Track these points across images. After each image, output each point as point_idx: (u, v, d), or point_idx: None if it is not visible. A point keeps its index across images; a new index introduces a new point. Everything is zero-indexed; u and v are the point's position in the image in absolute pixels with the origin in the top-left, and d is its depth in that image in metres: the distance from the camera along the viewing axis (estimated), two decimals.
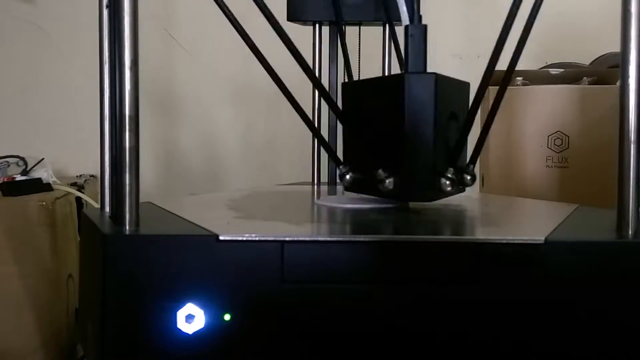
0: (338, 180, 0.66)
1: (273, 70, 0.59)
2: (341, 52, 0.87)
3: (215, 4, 0.56)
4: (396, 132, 0.56)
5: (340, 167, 0.63)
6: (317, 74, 0.92)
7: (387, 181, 0.57)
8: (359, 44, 0.90)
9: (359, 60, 0.88)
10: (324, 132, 0.86)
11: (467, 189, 0.61)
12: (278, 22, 0.56)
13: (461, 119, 0.60)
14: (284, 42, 0.56)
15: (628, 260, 0.48)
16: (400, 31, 0.92)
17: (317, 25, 0.91)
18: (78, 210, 1.03)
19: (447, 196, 0.59)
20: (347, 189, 0.64)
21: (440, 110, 0.56)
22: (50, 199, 0.92)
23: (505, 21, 0.54)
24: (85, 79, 1.31)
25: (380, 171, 0.57)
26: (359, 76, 0.86)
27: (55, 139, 1.39)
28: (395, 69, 0.95)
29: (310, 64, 0.92)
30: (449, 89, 0.59)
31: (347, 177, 0.62)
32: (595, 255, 0.48)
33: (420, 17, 0.59)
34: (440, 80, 0.56)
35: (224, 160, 1.42)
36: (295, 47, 0.56)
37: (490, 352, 0.47)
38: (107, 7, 0.59)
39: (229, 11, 0.57)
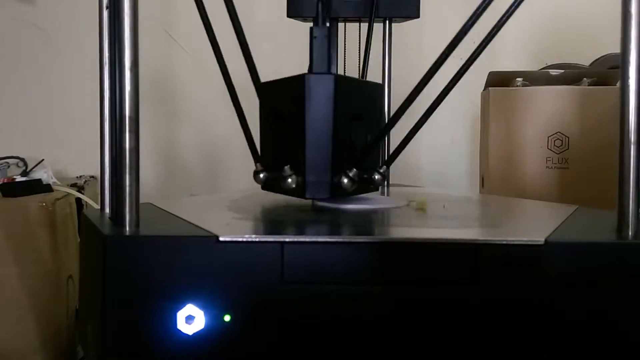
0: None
1: (226, 67, 0.61)
2: (343, 49, 0.87)
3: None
4: (299, 131, 0.58)
5: (257, 164, 0.64)
6: None
7: (289, 179, 0.58)
8: (359, 40, 0.90)
9: (359, 56, 0.88)
10: None
11: (466, 189, 0.61)
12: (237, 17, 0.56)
13: (372, 120, 0.61)
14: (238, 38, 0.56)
15: (628, 261, 0.48)
16: (396, 27, 0.93)
17: None
18: (78, 211, 1.03)
19: (349, 195, 0.60)
20: (262, 187, 0.65)
21: (341, 111, 0.58)
22: (50, 200, 0.92)
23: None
24: (85, 79, 1.31)
25: (286, 168, 0.58)
26: (359, 73, 0.86)
27: (55, 139, 1.39)
28: (395, 66, 0.95)
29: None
30: (353, 89, 0.60)
31: (261, 175, 0.63)
32: (596, 256, 0.48)
33: (324, 19, 0.61)
34: (341, 81, 0.58)
35: (224, 161, 1.42)
36: (245, 41, 0.57)
37: (490, 352, 0.47)
38: (107, 8, 0.59)
39: (205, 13, 0.57)
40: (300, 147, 0.58)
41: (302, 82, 0.58)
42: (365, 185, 0.61)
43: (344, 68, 0.88)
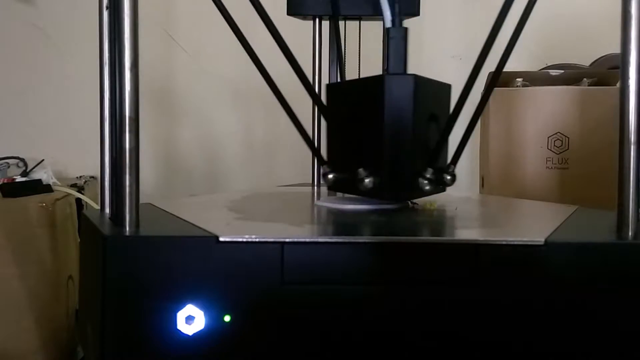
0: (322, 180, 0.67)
1: (263, 66, 0.59)
2: (343, 47, 0.87)
3: (215, 5, 0.56)
4: (376, 132, 0.58)
5: (324, 166, 0.64)
6: (317, 69, 0.93)
7: (366, 180, 0.58)
8: (359, 38, 0.90)
9: (359, 55, 0.88)
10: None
11: (466, 189, 0.61)
12: (270, 19, 0.56)
13: (442, 120, 0.61)
14: (275, 39, 0.56)
15: (628, 261, 0.48)
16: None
17: (317, 20, 0.91)
18: (78, 211, 1.03)
19: (425, 195, 0.60)
20: (329, 188, 0.65)
21: (419, 111, 0.58)
22: (50, 200, 0.92)
23: (494, 23, 0.54)
24: (85, 80, 1.31)
25: (360, 170, 0.58)
26: (358, 72, 0.86)
27: (55, 140, 1.39)
28: None
29: (310, 59, 0.92)
30: (429, 90, 0.60)
31: (330, 176, 0.63)
32: (595, 257, 0.48)
33: (401, 20, 0.61)
34: (420, 82, 0.58)
35: (224, 161, 1.42)
36: (287, 47, 0.57)
37: (490, 353, 0.47)
38: (107, 8, 0.59)
39: (227, 13, 0.57)
40: (378, 148, 0.58)
41: (380, 83, 0.57)
42: (437, 186, 0.60)
43: (344, 66, 0.88)
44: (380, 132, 0.57)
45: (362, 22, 0.91)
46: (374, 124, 0.58)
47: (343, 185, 0.63)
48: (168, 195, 1.38)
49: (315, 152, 0.68)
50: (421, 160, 0.59)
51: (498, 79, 0.59)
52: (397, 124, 0.57)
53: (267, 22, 0.57)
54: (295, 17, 0.89)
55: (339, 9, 0.87)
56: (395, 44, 0.60)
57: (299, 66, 0.58)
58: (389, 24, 0.61)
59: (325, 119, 0.66)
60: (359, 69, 0.88)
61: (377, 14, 0.88)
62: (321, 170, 0.65)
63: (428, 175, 0.58)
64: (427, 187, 0.58)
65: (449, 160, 0.63)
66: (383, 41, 0.93)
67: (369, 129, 0.59)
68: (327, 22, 0.91)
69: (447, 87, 0.63)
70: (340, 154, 0.64)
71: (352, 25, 0.91)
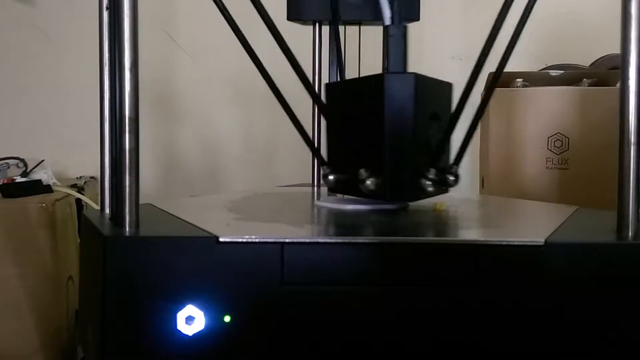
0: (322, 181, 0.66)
1: (263, 66, 0.59)
2: (343, 51, 0.87)
3: (215, 5, 0.56)
4: (377, 132, 0.57)
5: (324, 167, 0.63)
6: (317, 73, 0.93)
7: (368, 181, 0.57)
8: (359, 43, 0.90)
9: (359, 60, 0.88)
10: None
11: (466, 189, 0.61)
12: (271, 19, 0.56)
13: (444, 119, 0.60)
14: (276, 40, 0.56)
15: (628, 262, 0.48)
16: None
17: (317, 25, 0.91)
18: (78, 211, 1.03)
19: (429, 196, 0.59)
20: (330, 189, 0.64)
21: (420, 110, 0.57)
22: (50, 200, 0.92)
23: (494, 24, 0.54)
24: (85, 80, 1.31)
25: (362, 171, 0.57)
26: (358, 75, 0.86)
27: (55, 140, 1.39)
28: None
29: (310, 64, 0.92)
30: (430, 89, 0.59)
31: (330, 177, 0.62)
32: (595, 257, 0.48)
33: (400, 18, 0.60)
34: (420, 80, 0.57)
35: (224, 161, 1.42)
36: (288, 47, 0.56)
37: (490, 354, 0.47)
38: (107, 8, 0.59)
39: (228, 13, 0.57)
40: (379, 148, 0.57)
41: (380, 82, 0.57)
42: (440, 186, 0.60)
43: (344, 69, 0.87)
44: (381, 132, 0.57)
45: (362, 27, 0.91)
46: (375, 124, 0.57)
47: (344, 186, 0.62)
48: (168, 195, 1.38)
49: (316, 152, 0.67)
50: (423, 161, 0.58)
51: (499, 79, 0.58)
52: (398, 123, 0.57)
53: (268, 22, 0.57)
54: (295, 22, 0.89)
55: (339, 14, 0.87)
56: (395, 42, 0.60)
57: (299, 65, 0.58)
58: (388, 22, 0.60)
59: (325, 118, 0.66)
60: (359, 73, 0.88)
61: (377, 18, 0.88)
62: (321, 171, 0.65)
63: (431, 176, 0.57)
64: (430, 188, 0.57)
65: (452, 160, 0.62)
66: (383, 41, 0.93)
67: (370, 129, 0.58)
68: (327, 27, 0.91)
69: (448, 86, 0.63)
70: (341, 155, 0.63)
71: (352, 30, 0.91)
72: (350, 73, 0.87)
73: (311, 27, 0.91)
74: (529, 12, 0.56)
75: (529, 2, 0.57)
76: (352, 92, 0.63)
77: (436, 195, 0.60)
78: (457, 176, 0.60)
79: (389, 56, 0.60)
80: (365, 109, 0.59)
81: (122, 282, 0.47)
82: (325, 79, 0.92)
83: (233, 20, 0.58)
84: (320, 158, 0.66)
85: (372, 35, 0.91)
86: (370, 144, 0.59)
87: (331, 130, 0.65)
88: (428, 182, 0.57)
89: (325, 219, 0.60)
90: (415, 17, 0.88)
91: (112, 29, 0.59)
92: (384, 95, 0.56)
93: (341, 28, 0.89)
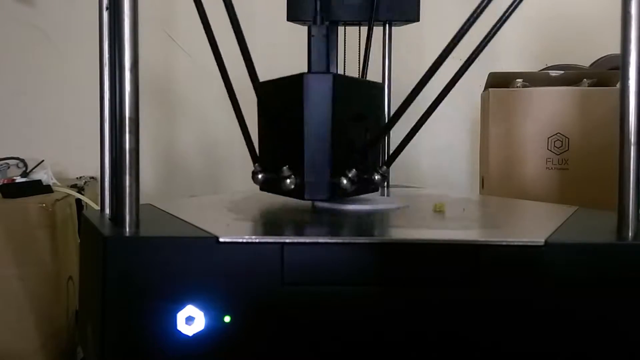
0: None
1: (225, 67, 0.61)
2: (343, 52, 0.87)
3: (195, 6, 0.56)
4: (297, 131, 0.58)
5: (255, 165, 0.63)
6: None
7: (288, 180, 0.58)
8: (359, 44, 0.91)
9: (359, 60, 0.88)
10: None
11: (466, 190, 0.61)
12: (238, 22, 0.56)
13: (372, 120, 0.61)
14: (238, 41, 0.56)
15: (628, 262, 0.48)
16: (395, 29, 0.93)
17: None
18: (78, 212, 1.03)
19: (349, 196, 0.60)
20: (260, 188, 0.64)
21: (340, 110, 0.57)
22: (50, 200, 0.92)
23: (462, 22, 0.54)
24: (85, 80, 1.31)
25: (284, 169, 0.58)
26: (359, 75, 0.86)
27: (55, 140, 1.39)
28: (395, 67, 0.95)
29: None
30: (353, 89, 0.60)
31: (259, 176, 0.62)
32: (595, 257, 0.48)
33: (322, 18, 0.61)
34: (341, 81, 0.58)
35: (224, 161, 1.42)
36: (244, 41, 0.56)
37: (490, 354, 0.47)
38: (107, 9, 0.59)
39: (204, 14, 0.57)
40: (298, 147, 0.58)
41: (300, 82, 0.57)
42: (365, 185, 0.61)
43: (344, 71, 0.88)
44: (300, 131, 0.57)
45: (361, 27, 0.91)
46: (295, 123, 0.58)
47: (271, 185, 0.62)
48: (168, 195, 1.38)
49: (251, 149, 0.66)
50: (345, 160, 0.59)
51: (461, 76, 0.58)
52: (316, 122, 0.57)
53: (233, 21, 0.56)
54: (294, 22, 0.89)
55: (338, 15, 0.87)
56: (316, 41, 0.61)
57: (249, 57, 0.58)
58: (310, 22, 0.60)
59: (258, 116, 0.66)
60: (360, 73, 0.88)
61: (378, 19, 0.88)
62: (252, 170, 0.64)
63: (350, 176, 0.58)
64: (348, 187, 0.58)
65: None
66: (383, 42, 0.93)
67: (292, 128, 0.59)
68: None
69: (377, 86, 0.63)
70: (270, 153, 0.63)
71: (351, 31, 0.91)
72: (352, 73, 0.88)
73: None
74: (515, 8, 0.56)
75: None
76: (279, 90, 0.63)
77: (360, 194, 0.61)
78: (384, 176, 0.60)
79: (310, 56, 0.60)
80: (288, 108, 0.60)
81: (122, 283, 0.47)
82: None
83: (206, 18, 0.58)
84: (253, 155, 0.65)
85: (376, 35, 0.91)
86: (292, 143, 0.59)
87: (261, 128, 0.65)
88: (346, 182, 0.58)
89: (325, 220, 0.60)
90: (415, 19, 0.88)
91: (112, 29, 0.59)
92: (302, 94, 0.57)
93: (340, 29, 0.89)
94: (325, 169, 0.58)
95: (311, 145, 0.57)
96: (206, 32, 0.58)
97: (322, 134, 0.57)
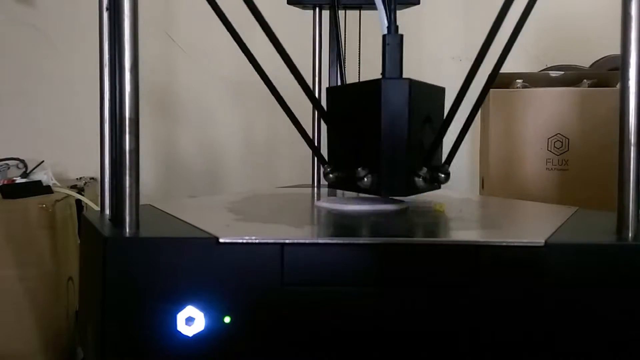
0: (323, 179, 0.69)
1: (262, 70, 0.61)
2: (343, 36, 0.87)
3: (212, 9, 0.57)
4: (374, 133, 0.60)
5: (325, 165, 0.66)
6: (317, 61, 0.93)
7: (365, 179, 0.60)
8: (359, 28, 0.90)
9: (359, 44, 0.88)
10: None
11: (466, 190, 0.61)
12: (267, 25, 0.56)
13: (436, 121, 0.64)
14: (271, 41, 0.56)
15: (628, 262, 0.48)
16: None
17: (317, 9, 0.91)
18: (78, 212, 1.03)
19: (420, 192, 0.63)
20: (330, 185, 0.68)
21: (414, 114, 0.60)
22: (50, 201, 0.92)
23: (493, 25, 0.54)
24: (85, 81, 1.31)
25: (359, 169, 0.60)
26: (358, 62, 0.86)
27: (55, 141, 1.39)
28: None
29: (310, 49, 0.92)
30: (423, 93, 0.63)
31: (331, 175, 0.66)
32: (595, 258, 0.48)
33: (397, 27, 0.64)
34: (414, 86, 0.60)
35: (224, 162, 1.42)
36: (285, 50, 0.57)
37: (490, 354, 0.47)
38: (107, 9, 0.59)
39: (224, 16, 0.57)
40: (376, 147, 0.60)
41: (377, 87, 0.60)
42: (432, 183, 0.63)
43: (344, 54, 0.87)
44: (378, 133, 0.60)
45: (362, 11, 0.91)
46: (372, 126, 0.60)
47: (343, 183, 0.65)
48: (168, 196, 1.38)
49: (316, 151, 0.69)
50: (416, 160, 0.61)
51: (494, 80, 0.59)
52: (393, 125, 0.60)
53: (265, 27, 0.57)
54: (295, 6, 0.89)
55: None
56: (391, 50, 0.63)
57: (297, 70, 0.59)
58: (385, 31, 0.64)
59: (325, 122, 0.68)
60: (359, 59, 0.88)
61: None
62: (321, 170, 0.68)
63: (422, 174, 0.60)
64: (422, 185, 0.61)
65: (444, 159, 0.64)
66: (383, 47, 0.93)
67: (367, 130, 0.61)
68: (328, 11, 0.91)
69: (441, 90, 0.66)
70: (341, 154, 0.66)
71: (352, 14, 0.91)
72: (350, 61, 0.88)
73: (311, 11, 0.92)
74: (529, 12, 0.57)
75: (528, 3, 0.57)
76: (351, 95, 0.65)
77: (428, 191, 0.64)
78: (447, 174, 0.63)
79: (386, 63, 0.63)
80: (364, 112, 0.62)
81: (122, 283, 0.47)
82: (325, 66, 0.92)
83: (229, 22, 0.59)
84: (320, 157, 0.68)
85: (372, 18, 0.91)
86: (367, 144, 0.61)
87: (332, 131, 0.68)
88: (419, 179, 0.60)
89: (325, 220, 0.61)
90: (415, 1, 0.88)
91: (112, 30, 0.59)
92: (380, 99, 0.60)
93: (341, 13, 0.89)
94: (402, 168, 0.60)
95: (388, 146, 0.60)
96: (233, 35, 0.58)
97: (399, 135, 0.60)
